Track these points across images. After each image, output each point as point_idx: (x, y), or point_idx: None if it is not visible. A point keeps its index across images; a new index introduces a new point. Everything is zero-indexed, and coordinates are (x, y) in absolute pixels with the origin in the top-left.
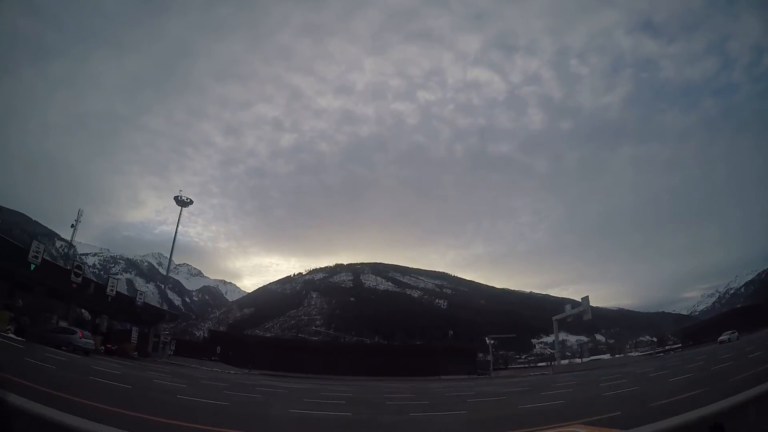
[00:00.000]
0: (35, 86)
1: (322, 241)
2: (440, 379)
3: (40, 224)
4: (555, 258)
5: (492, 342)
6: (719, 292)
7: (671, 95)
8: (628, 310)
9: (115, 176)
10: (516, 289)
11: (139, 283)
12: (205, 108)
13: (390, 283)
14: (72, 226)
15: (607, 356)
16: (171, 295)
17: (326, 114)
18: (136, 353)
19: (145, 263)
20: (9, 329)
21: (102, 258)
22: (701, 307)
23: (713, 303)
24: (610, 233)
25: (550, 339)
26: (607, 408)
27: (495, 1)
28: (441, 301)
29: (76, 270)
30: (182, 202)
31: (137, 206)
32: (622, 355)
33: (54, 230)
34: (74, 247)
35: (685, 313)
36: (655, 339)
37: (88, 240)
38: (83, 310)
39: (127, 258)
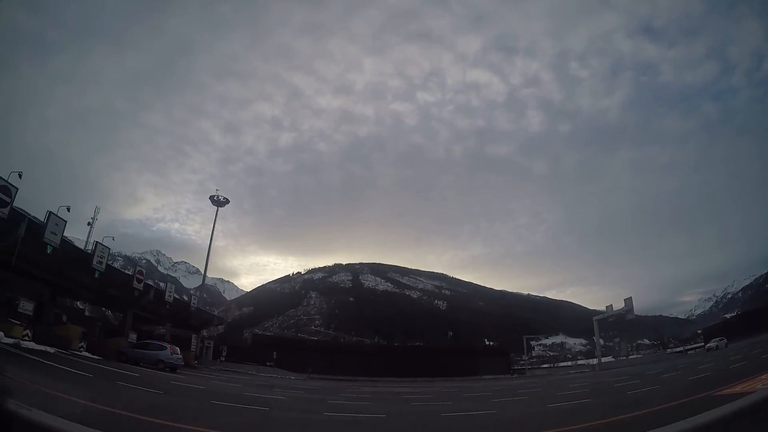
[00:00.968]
0: (35, 82)
1: (320, 241)
2: (482, 379)
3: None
4: (553, 260)
5: (532, 342)
6: (717, 297)
7: (671, 99)
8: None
9: (113, 173)
10: (514, 291)
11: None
12: (204, 106)
13: (389, 284)
14: (88, 224)
15: (637, 355)
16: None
17: (325, 114)
18: (196, 362)
19: (144, 260)
20: (82, 346)
21: None
22: (698, 311)
23: (710, 307)
24: (608, 236)
25: (548, 341)
26: None
27: (495, 2)
28: (440, 302)
29: (138, 275)
30: (218, 202)
31: (136, 203)
32: (649, 353)
33: None
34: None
35: (682, 316)
36: (657, 342)
37: (85, 237)
38: (108, 311)
39: (126, 255)
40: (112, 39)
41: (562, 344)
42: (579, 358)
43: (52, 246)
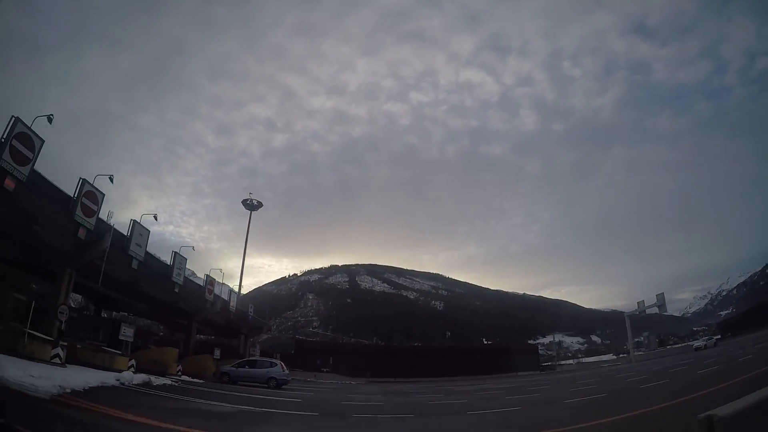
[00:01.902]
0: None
1: (315, 242)
2: (518, 375)
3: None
4: (548, 259)
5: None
6: (711, 294)
7: (664, 98)
8: (621, 312)
9: (107, 175)
10: (510, 290)
11: None
12: (197, 107)
13: (386, 285)
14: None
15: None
16: None
17: (319, 114)
18: None
19: None
20: (179, 370)
21: None
22: (693, 309)
23: (705, 305)
24: (603, 235)
25: (546, 340)
26: None
27: (488, 2)
28: (437, 303)
29: (209, 287)
30: (251, 206)
31: (129, 206)
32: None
33: None
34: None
35: (677, 314)
36: (657, 339)
37: None
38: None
39: None
40: (106, 40)
41: (560, 343)
42: (579, 356)
43: (137, 260)
